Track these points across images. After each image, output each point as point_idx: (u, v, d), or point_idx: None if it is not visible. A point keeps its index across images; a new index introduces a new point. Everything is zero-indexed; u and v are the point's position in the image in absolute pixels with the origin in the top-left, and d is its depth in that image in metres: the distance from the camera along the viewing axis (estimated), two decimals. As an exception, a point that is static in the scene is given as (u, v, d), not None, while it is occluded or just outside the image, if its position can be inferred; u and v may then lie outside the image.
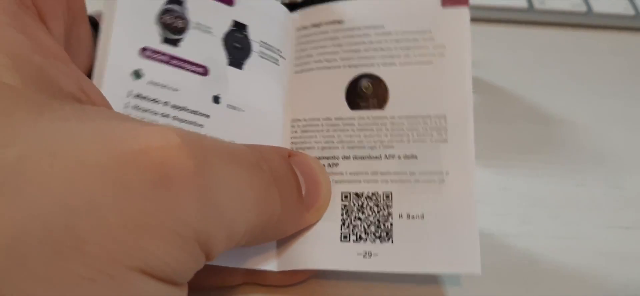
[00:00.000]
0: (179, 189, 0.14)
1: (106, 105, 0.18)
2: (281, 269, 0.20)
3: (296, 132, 0.22)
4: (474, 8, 0.37)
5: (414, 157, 0.21)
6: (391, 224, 0.20)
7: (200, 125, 0.21)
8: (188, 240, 0.14)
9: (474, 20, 0.40)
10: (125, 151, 0.14)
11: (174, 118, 0.21)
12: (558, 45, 0.36)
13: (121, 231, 0.13)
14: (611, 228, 0.24)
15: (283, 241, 0.21)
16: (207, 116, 0.21)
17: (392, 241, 0.20)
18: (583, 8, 0.37)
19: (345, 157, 0.22)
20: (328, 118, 0.22)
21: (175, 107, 0.21)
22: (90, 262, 0.13)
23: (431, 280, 0.22)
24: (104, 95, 0.18)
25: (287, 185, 0.19)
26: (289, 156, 0.21)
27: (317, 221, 0.21)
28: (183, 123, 0.21)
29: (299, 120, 0.23)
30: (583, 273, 0.23)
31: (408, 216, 0.20)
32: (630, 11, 0.37)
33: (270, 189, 0.18)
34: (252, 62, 0.22)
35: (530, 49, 0.35)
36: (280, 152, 0.20)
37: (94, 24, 0.21)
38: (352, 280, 0.22)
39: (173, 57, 0.21)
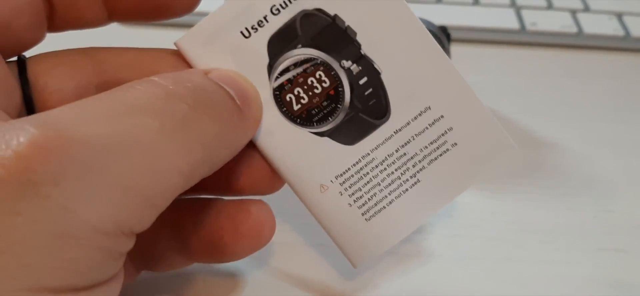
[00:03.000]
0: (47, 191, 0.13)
1: None
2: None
3: None
4: (466, 30, 0.37)
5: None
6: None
7: None
8: (89, 240, 0.13)
9: (465, 41, 0.40)
10: None
11: None
12: (549, 67, 0.36)
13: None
14: (601, 252, 0.24)
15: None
16: None
17: None
18: (574, 29, 0.37)
19: None
20: None
21: None
22: None
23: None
24: None
25: (218, 98, 0.17)
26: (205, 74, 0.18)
27: (257, 130, 0.19)
28: None
29: None
30: (573, 297, 0.23)
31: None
32: (621, 32, 0.37)
33: (194, 116, 0.16)
34: None
35: (522, 70, 0.36)
36: (196, 72, 0.18)
37: (22, 62, 0.18)
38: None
39: None
